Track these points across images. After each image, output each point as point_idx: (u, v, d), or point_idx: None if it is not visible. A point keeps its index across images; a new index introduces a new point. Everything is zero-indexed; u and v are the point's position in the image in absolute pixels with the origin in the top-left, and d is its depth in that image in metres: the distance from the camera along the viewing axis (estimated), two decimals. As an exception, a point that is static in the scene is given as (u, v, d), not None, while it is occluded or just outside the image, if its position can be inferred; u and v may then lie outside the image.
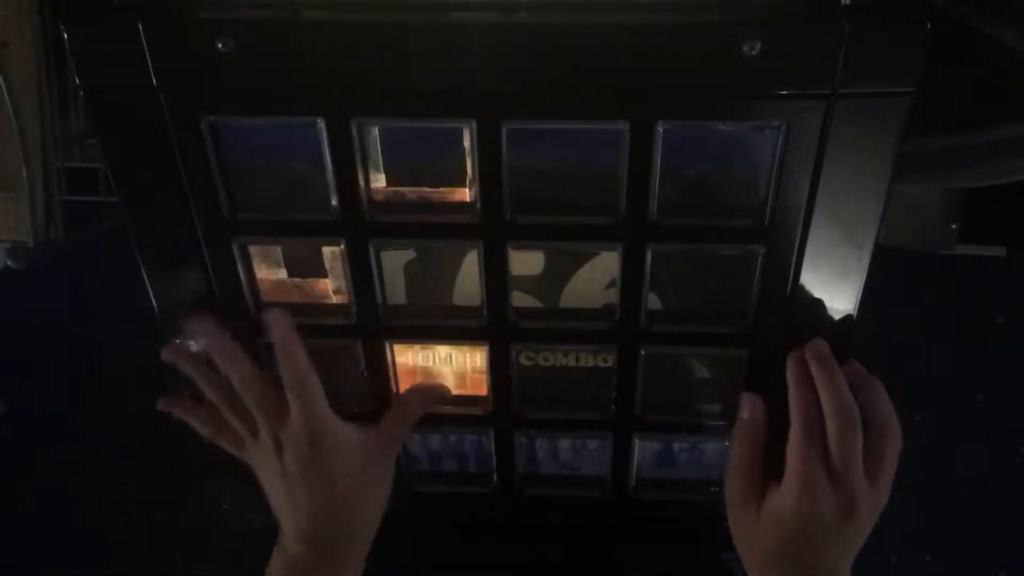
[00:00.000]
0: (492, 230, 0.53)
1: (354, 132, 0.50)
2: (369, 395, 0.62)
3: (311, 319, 0.56)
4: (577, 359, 0.60)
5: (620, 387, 0.60)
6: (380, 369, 0.61)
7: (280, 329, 0.53)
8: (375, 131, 0.51)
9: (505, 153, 0.50)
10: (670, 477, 0.66)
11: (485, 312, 0.57)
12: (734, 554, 0.56)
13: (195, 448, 0.61)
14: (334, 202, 0.52)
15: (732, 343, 0.58)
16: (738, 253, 0.54)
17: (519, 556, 0.70)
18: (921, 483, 1.33)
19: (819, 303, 0.54)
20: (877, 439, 0.51)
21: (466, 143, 0.50)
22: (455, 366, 0.60)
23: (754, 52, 0.45)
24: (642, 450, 0.64)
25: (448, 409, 0.63)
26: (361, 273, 0.56)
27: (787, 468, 0.52)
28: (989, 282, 1.33)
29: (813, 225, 0.51)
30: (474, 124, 0.49)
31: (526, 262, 0.56)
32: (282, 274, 0.57)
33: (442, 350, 0.60)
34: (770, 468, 0.53)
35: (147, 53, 0.47)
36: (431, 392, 0.60)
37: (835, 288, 0.54)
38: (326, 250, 0.56)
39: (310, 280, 0.57)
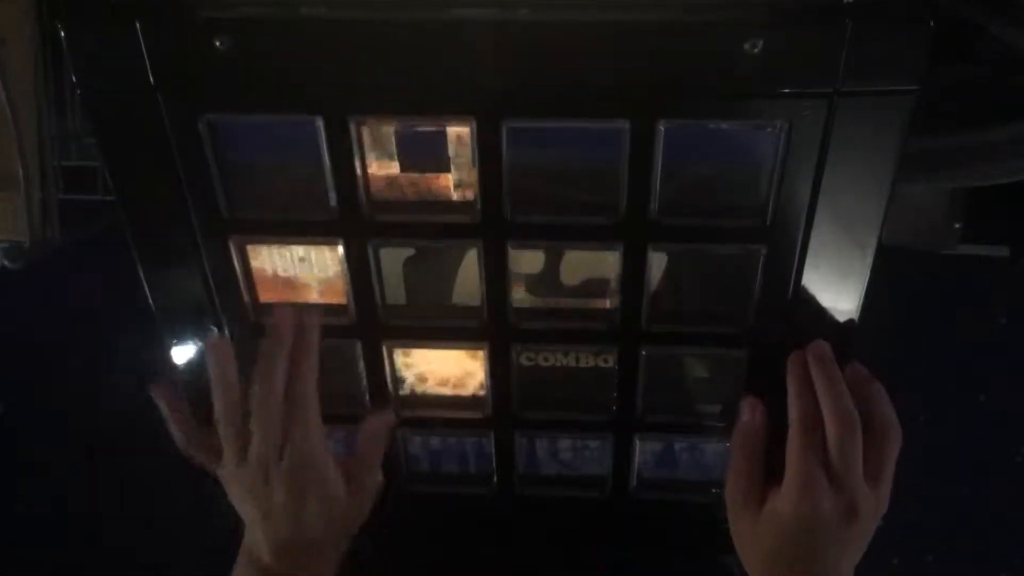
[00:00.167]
0: (492, 230, 0.53)
1: (353, 131, 0.49)
2: (367, 395, 0.62)
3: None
4: (577, 359, 0.60)
5: (621, 388, 0.60)
6: (379, 369, 0.60)
7: (305, 337, 0.51)
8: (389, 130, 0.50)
9: (505, 153, 0.50)
10: (670, 478, 0.66)
11: (485, 312, 0.57)
12: (734, 555, 0.56)
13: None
14: (333, 202, 0.52)
15: (733, 343, 0.57)
16: (739, 253, 0.53)
17: (519, 556, 0.70)
18: (922, 483, 1.33)
19: (821, 303, 0.54)
20: (878, 442, 0.51)
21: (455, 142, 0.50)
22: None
23: (756, 51, 0.45)
24: (642, 451, 0.64)
25: (448, 410, 0.63)
26: (360, 273, 0.55)
27: (787, 470, 0.51)
28: (991, 282, 1.33)
29: (815, 225, 0.51)
30: (474, 123, 0.49)
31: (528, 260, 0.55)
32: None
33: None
34: (771, 470, 0.53)
35: (145, 52, 0.47)
36: (382, 420, 0.58)
37: (837, 288, 0.54)
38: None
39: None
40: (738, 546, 0.55)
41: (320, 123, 0.49)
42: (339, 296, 0.57)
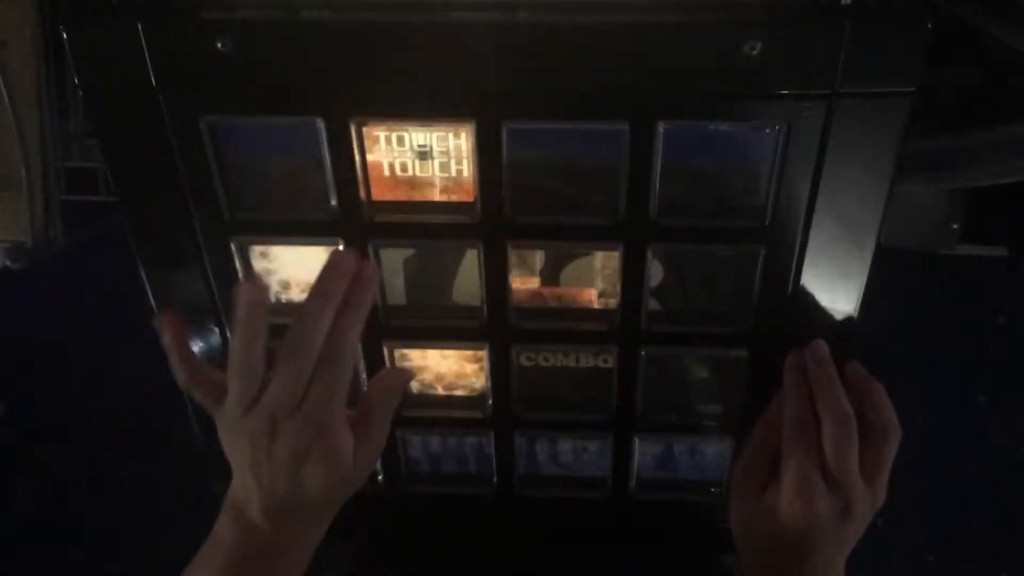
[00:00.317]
0: (492, 230, 0.53)
1: (353, 132, 0.50)
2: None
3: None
4: (577, 359, 0.60)
5: (620, 388, 0.60)
6: (380, 368, 0.60)
7: (363, 279, 0.47)
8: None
9: (505, 153, 0.50)
10: (670, 478, 0.66)
11: (485, 312, 0.57)
12: (734, 555, 0.56)
13: (196, 447, 0.61)
14: (333, 202, 0.52)
15: (732, 343, 0.57)
16: (738, 253, 0.53)
17: (519, 557, 0.70)
18: (922, 483, 1.33)
19: (820, 303, 0.54)
20: (876, 442, 0.51)
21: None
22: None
23: (755, 52, 0.45)
24: (642, 451, 0.64)
25: (448, 410, 0.63)
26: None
27: (783, 469, 0.52)
28: (990, 282, 1.33)
29: (814, 225, 0.51)
30: (474, 124, 0.49)
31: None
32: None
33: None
34: (775, 464, 0.54)
35: (146, 53, 0.47)
36: (400, 378, 0.55)
37: (836, 288, 0.54)
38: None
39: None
40: (735, 532, 0.56)
41: (321, 124, 0.49)
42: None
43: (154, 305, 0.57)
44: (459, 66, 0.47)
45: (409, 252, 0.57)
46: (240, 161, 0.52)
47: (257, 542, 0.49)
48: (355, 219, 0.53)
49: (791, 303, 0.54)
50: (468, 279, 0.56)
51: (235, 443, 0.49)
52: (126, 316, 0.51)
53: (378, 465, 0.66)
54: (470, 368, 0.61)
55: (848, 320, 0.55)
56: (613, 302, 0.56)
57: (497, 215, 0.52)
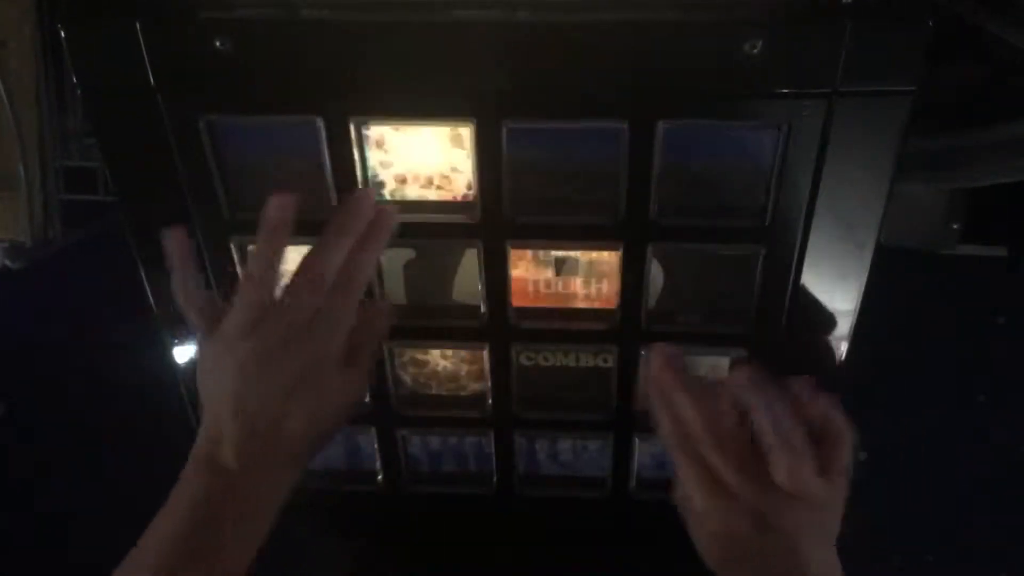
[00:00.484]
0: (492, 230, 0.53)
1: (353, 132, 0.50)
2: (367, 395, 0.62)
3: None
4: (577, 359, 0.60)
5: (620, 388, 0.60)
6: (380, 369, 0.60)
7: (381, 221, 0.46)
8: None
9: (505, 153, 0.50)
10: (670, 478, 0.66)
11: (485, 312, 0.57)
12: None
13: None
14: (333, 202, 0.52)
15: (732, 343, 0.57)
16: (738, 253, 0.53)
17: (519, 557, 0.70)
18: (922, 483, 1.33)
19: (820, 303, 0.54)
20: (830, 449, 0.47)
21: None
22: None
23: (755, 51, 0.45)
24: (642, 451, 0.64)
25: (448, 410, 0.63)
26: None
27: (690, 497, 0.48)
28: (990, 282, 1.33)
29: (814, 225, 0.51)
30: (474, 124, 0.49)
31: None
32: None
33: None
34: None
35: (145, 53, 0.47)
36: (380, 308, 0.53)
37: (836, 288, 0.54)
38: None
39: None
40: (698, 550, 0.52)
41: (321, 124, 0.49)
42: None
43: (153, 305, 0.57)
44: (459, 66, 0.47)
45: (410, 255, 0.56)
46: (240, 161, 0.52)
47: (224, 489, 0.45)
48: (355, 219, 0.53)
49: (791, 303, 0.54)
50: (468, 279, 0.56)
51: (221, 371, 0.46)
52: (126, 316, 0.51)
53: (377, 465, 0.66)
54: (469, 369, 0.60)
55: (847, 319, 0.55)
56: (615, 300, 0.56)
57: (497, 215, 0.52)
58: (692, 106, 0.48)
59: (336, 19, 0.47)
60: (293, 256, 0.54)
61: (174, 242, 0.47)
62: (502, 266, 0.54)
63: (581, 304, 0.57)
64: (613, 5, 0.46)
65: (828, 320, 0.55)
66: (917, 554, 1.38)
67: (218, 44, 0.46)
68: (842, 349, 0.56)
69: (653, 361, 0.48)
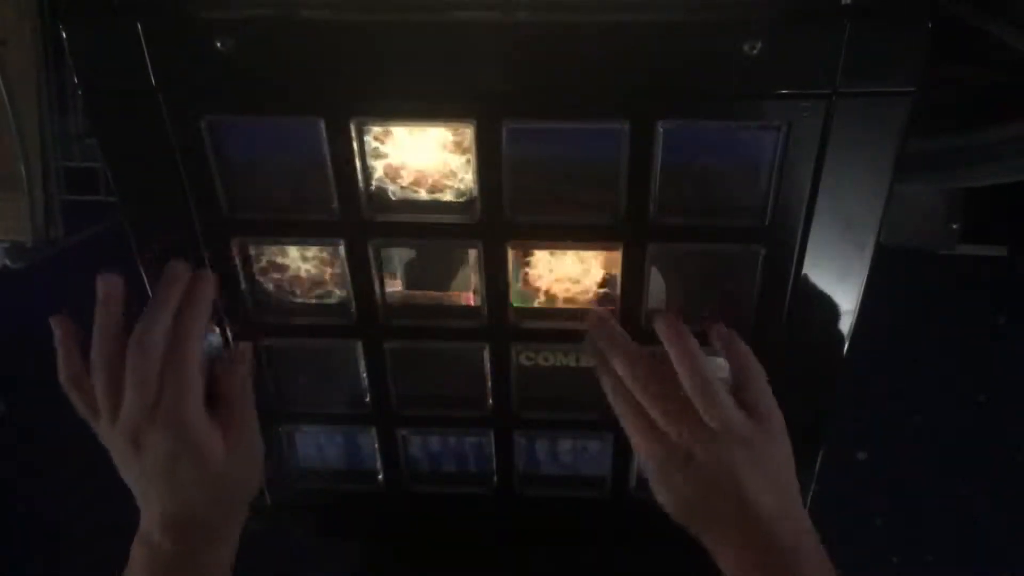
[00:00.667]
0: (492, 230, 0.53)
1: (354, 132, 0.50)
2: (367, 395, 0.62)
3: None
4: (577, 359, 0.60)
5: (620, 387, 0.60)
6: (380, 368, 0.60)
7: (196, 297, 0.49)
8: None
9: (505, 153, 0.50)
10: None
11: (485, 312, 0.57)
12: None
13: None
14: (334, 202, 0.52)
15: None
16: (738, 253, 0.53)
17: (519, 557, 0.70)
18: (922, 483, 1.33)
19: (819, 303, 0.54)
20: (749, 386, 0.50)
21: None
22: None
23: (755, 51, 0.45)
24: (642, 450, 0.64)
25: (448, 410, 0.63)
26: (360, 273, 0.55)
27: (634, 451, 0.51)
28: (990, 282, 1.33)
29: (814, 225, 0.51)
30: (474, 124, 0.49)
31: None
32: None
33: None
34: None
35: (146, 53, 0.47)
36: (242, 356, 0.55)
37: (836, 288, 0.54)
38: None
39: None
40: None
41: (321, 124, 0.49)
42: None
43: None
44: (459, 66, 0.47)
45: (410, 255, 0.56)
46: (240, 160, 0.52)
47: (164, 564, 0.48)
48: (355, 219, 0.53)
49: (791, 303, 0.54)
50: (468, 279, 0.56)
51: (115, 459, 0.50)
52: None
53: (378, 465, 0.66)
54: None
55: (847, 320, 0.55)
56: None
57: (497, 215, 0.52)
58: (692, 106, 0.48)
59: (336, 19, 0.47)
60: (294, 254, 0.54)
61: (58, 325, 0.50)
62: (502, 266, 0.55)
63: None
64: (613, 5, 0.46)
65: (828, 320, 0.55)
66: (917, 554, 1.38)
67: (219, 44, 0.46)
68: (842, 349, 0.56)
69: (588, 323, 0.52)
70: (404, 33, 0.46)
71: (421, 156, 0.52)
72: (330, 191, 0.52)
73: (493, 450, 0.65)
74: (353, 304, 0.57)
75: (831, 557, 0.49)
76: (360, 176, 0.51)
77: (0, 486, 1.58)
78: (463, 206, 0.53)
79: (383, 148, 0.52)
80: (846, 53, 0.45)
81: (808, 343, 0.56)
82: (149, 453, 0.48)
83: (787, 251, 0.52)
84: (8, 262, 0.70)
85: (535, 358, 0.60)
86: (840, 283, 0.54)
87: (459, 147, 0.52)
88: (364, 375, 0.61)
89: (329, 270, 0.57)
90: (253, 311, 0.58)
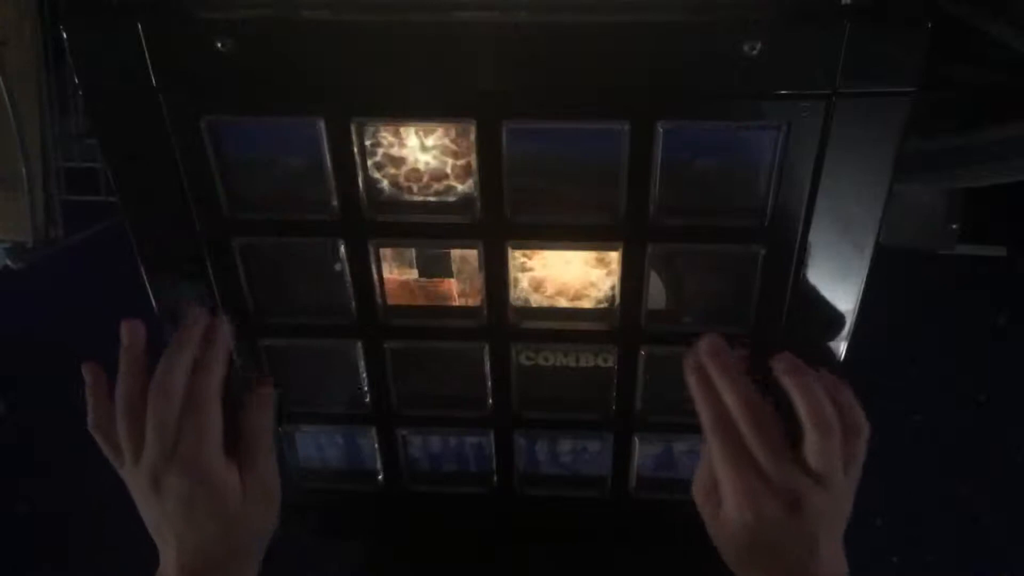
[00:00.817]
0: (492, 230, 0.53)
1: (354, 132, 0.50)
2: (367, 396, 0.62)
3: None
4: (577, 359, 0.60)
5: (620, 388, 0.60)
6: (380, 368, 0.60)
7: (214, 341, 0.50)
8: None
9: (505, 153, 0.50)
10: (670, 478, 0.66)
11: (485, 312, 0.57)
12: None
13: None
14: (334, 202, 0.52)
15: (731, 343, 0.57)
16: (738, 253, 0.54)
17: (519, 557, 0.70)
18: (922, 483, 1.33)
19: (819, 303, 0.54)
20: (852, 439, 0.48)
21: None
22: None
23: (754, 52, 0.45)
24: (642, 451, 0.64)
25: (448, 410, 0.63)
26: (361, 274, 0.56)
27: (719, 481, 0.49)
28: (989, 282, 1.33)
29: (813, 225, 0.51)
30: (474, 124, 0.49)
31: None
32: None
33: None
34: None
35: (146, 53, 0.47)
36: (262, 395, 0.56)
37: (835, 288, 0.54)
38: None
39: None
40: (716, 544, 0.53)
41: (321, 124, 0.49)
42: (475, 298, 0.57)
43: (155, 305, 0.57)
44: (459, 66, 0.47)
45: (410, 252, 0.57)
46: (241, 160, 0.52)
47: None
48: (355, 219, 0.53)
49: (791, 303, 0.54)
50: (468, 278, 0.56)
51: (138, 504, 0.51)
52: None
53: (378, 465, 0.66)
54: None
55: (846, 320, 0.55)
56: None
57: (497, 215, 0.52)
58: (692, 106, 0.48)
59: (336, 19, 0.47)
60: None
61: (90, 372, 0.51)
62: (502, 266, 0.55)
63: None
64: (613, 5, 0.46)
65: (827, 320, 0.55)
66: (917, 554, 1.38)
67: (219, 44, 0.46)
68: (842, 349, 0.56)
69: (701, 348, 0.50)
70: (404, 33, 0.46)
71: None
72: (330, 191, 0.52)
73: (493, 450, 0.65)
74: (353, 304, 0.57)
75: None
76: (360, 176, 0.51)
77: (0, 486, 1.58)
78: (463, 206, 0.53)
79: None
80: (846, 53, 0.45)
81: (808, 343, 0.56)
82: (168, 495, 0.49)
83: (787, 251, 0.52)
84: (9, 262, 0.70)
85: (535, 358, 0.60)
86: (839, 283, 0.54)
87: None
88: (364, 375, 0.61)
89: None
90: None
